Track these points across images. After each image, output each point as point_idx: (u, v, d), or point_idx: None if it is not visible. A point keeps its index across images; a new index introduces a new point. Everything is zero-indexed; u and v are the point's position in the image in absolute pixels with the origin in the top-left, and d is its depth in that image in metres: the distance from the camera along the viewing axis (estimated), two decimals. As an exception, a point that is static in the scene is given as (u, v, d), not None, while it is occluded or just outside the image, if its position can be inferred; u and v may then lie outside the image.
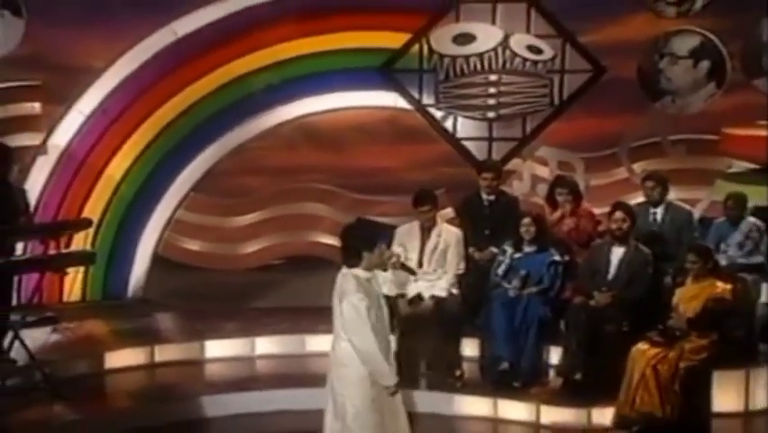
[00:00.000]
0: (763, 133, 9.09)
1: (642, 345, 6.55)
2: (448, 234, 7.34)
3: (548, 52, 9.21)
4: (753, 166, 9.18)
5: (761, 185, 8.79)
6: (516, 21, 9.22)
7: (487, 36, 9.22)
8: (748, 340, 7.26)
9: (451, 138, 9.53)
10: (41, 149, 9.10)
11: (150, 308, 9.07)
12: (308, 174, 9.90)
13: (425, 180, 8.79)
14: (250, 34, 9.12)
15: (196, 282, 9.64)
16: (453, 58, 9.24)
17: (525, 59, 9.17)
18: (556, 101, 9.31)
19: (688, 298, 6.72)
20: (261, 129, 9.43)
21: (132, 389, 7.32)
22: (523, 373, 7.06)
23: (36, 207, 8.46)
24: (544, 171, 9.45)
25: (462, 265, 7.40)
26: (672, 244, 7.52)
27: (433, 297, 7.17)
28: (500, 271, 7.34)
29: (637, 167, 9.32)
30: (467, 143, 9.50)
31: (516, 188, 9.35)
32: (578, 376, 6.91)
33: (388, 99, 9.49)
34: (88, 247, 8.68)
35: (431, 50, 9.31)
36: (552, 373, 7.22)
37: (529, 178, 9.50)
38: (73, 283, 9.07)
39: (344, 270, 5.08)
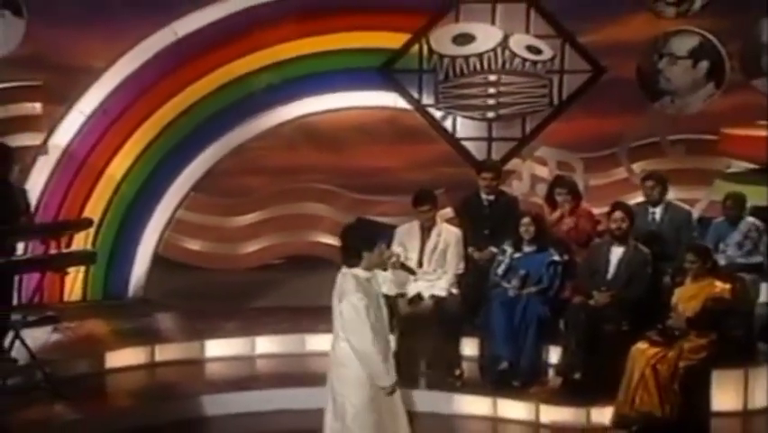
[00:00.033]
0: (761, 133, 9.11)
1: (641, 345, 6.56)
2: (448, 233, 7.35)
3: (547, 52, 9.23)
4: (752, 166, 9.20)
5: (760, 185, 8.81)
6: (515, 21, 9.23)
7: (486, 36, 9.24)
8: (747, 339, 7.28)
9: (450, 138, 9.54)
10: (42, 149, 9.09)
11: (151, 308, 9.07)
12: (308, 174, 9.92)
13: (424, 180, 8.81)
14: (250, 34, 9.12)
15: (196, 282, 9.66)
16: (453, 58, 9.26)
17: (524, 60, 9.18)
18: (556, 101, 9.32)
19: (687, 297, 6.72)
20: (262, 129, 9.43)
21: (133, 388, 7.34)
22: (522, 373, 7.07)
23: (37, 207, 8.46)
24: (543, 171, 9.47)
25: (462, 265, 7.41)
26: (672, 243, 7.52)
27: (432, 296, 7.18)
28: (500, 270, 7.35)
29: (636, 167, 9.34)
30: (466, 143, 9.52)
31: (516, 187, 9.37)
32: (577, 375, 6.92)
33: (388, 99, 9.49)
34: (89, 247, 8.69)
35: (431, 51, 9.33)
36: (551, 372, 7.23)
37: (528, 178, 9.52)
38: (74, 283, 9.07)
39: (344, 269, 5.09)
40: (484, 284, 7.45)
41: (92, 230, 8.62)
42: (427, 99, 9.46)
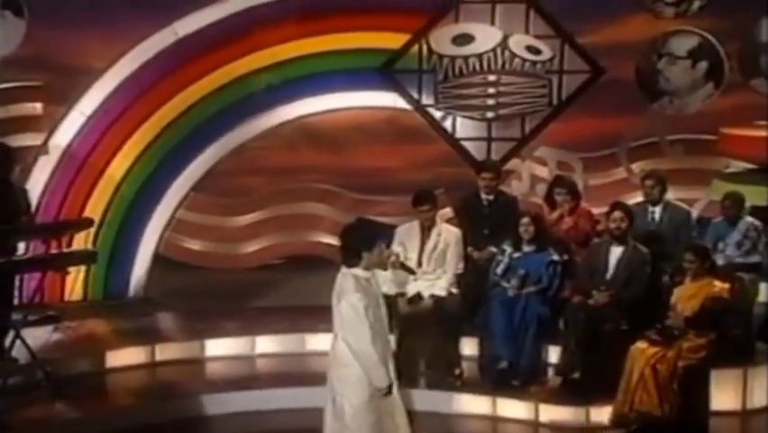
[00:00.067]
0: (760, 133, 9.13)
1: (640, 344, 6.57)
2: (447, 233, 7.37)
3: (547, 53, 9.25)
4: (750, 166, 9.23)
5: (758, 185, 8.82)
6: (514, 21, 9.25)
7: (486, 37, 9.25)
8: (746, 339, 7.28)
9: (450, 138, 9.56)
10: (43, 149, 9.10)
11: (151, 308, 9.08)
12: (308, 174, 9.94)
13: (424, 180, 8.83)
14: (250, 35, 9.12)
15: (196, 282, 9.68)
16: (453, 58, 9.28)
17: (523, 60, 9.20)
18: (555, 101, 9.34)
19: (686, 297, 6.74)
20: (262, 129, 9.43)
21: (134, 387, 7.35)
22: (522, 372, 7.09)
23: (37, 207, 8.46)
24: (542, 171, 9.49)
25: (462, 265, 7.42)
26: (671, 243, 7.54)
27: (432, 296, 7.20)
28: (499, 270, 7.36)
29: (636, 167, 9.36)
30: (466, 143, 9.53)
31: (515, 187, 9.39)
32: (576, 375, 6.93)
33: (388, 99, 9.51)
34: (90, 247, 8.68)
35: (430, 51, 9.34)
36: (550, 371, 7.24)
37: (528, 178, 9.54)
38: (74, 282, 9.08)
39: (344, 269, 5.09)
40: (484, 284, 7.46)
41: (92, 230, 8.62)
42: (427, 99, 9.47)
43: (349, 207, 9.77)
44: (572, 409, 6.78)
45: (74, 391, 6.89)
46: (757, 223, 7.81)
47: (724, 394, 6.87)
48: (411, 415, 5.42)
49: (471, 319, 7.43)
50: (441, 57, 9.32)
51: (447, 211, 8.42)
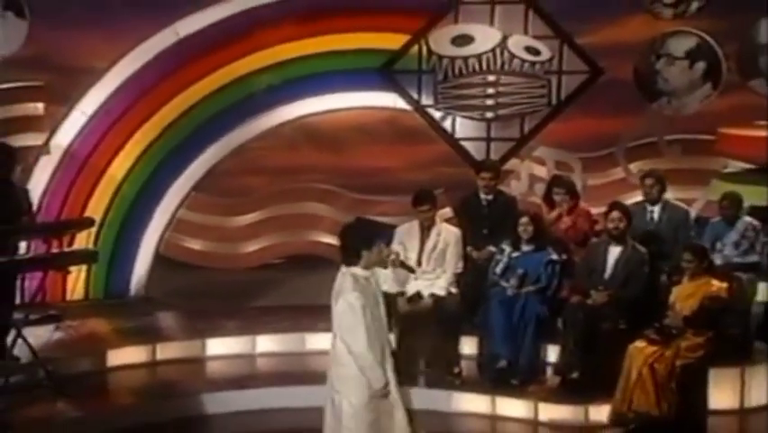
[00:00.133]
0: (758, 133, 9.14)
1: (639, 344, 6.58)
2: (447, 233, 7.39)
3: (546, 53, 9.27)
4: (748, 166, 9.24)
5: (756, 185, 8.83)
6: (513, 22, 9.27)
7: (485, 37, 9.27)
8: (744, 338, 7.31)
9: (449, 138, 9.58)
10: (44, 149, 9.12)
11: (152, 307, 9.10)
12: (309, 174, 9.97)
13: (424, 180, 8.86)
14: (251, 35, 9.14)
15: (197, 281, 9.70)
16: (452, 59, 9.30)
17: (522, 60, 9.22)
18: (554, 102, 9.36)
19: (684, 296, 6.75)
20: (262, 129, 9.45)
21: (135, 386, 7.37)
22: (521, 371, 7.11)
23: (39, 207, 8.46)
24: (541, 171, 9.51)
25: (461, 264, 7.44)
26: (669, 242, 7.55)
27: (432, 295, 7.22)
28: (498, 269, 7.37)
29: (634, 167, 9.38)
30: (465, 143, 9.55)
31: (514, 187, 9.41)
32: (575, 374, 6.95)
33: (388, 100, 9.52)
34: (91, 246, 8.73)
35: (430, 52, 9.36)
36: (549, 370, 7.26)
37: (527, 177, 9.56)
38: (76, 282, 9.10)
39: (343, 268, 5.10)
40: (483, 283, 7.47)
41: (94, 229, 8.65)
42: (427, 100, 9.49)
43: (349, 206, 9.80)
44: (571, 408, 6.80)
45: (75, 390, 6.91)
46: (755, 223, 7.82)
47: (722, 393, 6.89)
48: (410, 413, 5.39)
49: (471, 318, 7.45)
50: (440, 57, 9.34)
51: (447, 211, 8.44)
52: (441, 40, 9.35)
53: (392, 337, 6.23)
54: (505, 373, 7.10)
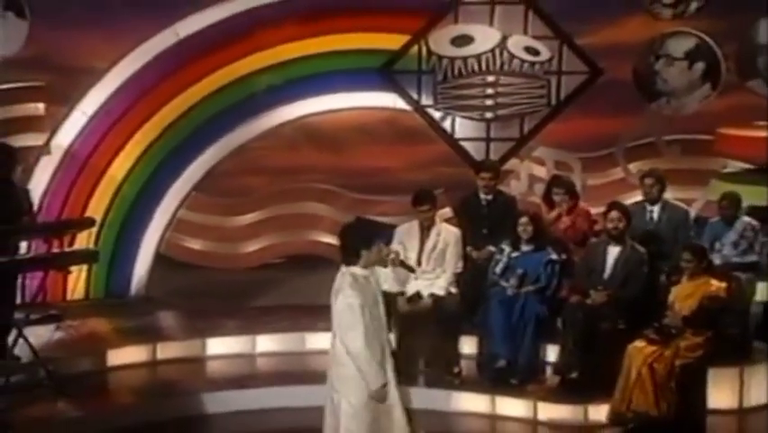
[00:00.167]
0: (757, 133, 9.16)
1: (638, 343, 6.59)
2: (447, 233, 7.40)
3: (545, 54, 9.28)
4: (747, 166, 9.26)
5: (756, 185, 8.84)
6: (513, 22, 9.27)
7: (485, 38, 9.28)
8: (743, 338, 7.34)
9: (449, 138, 9.58)
10: (45, 149, 9.11)
11: (153, 307, 9.10)
12: (309, 174, 9.97)
13: (423, 180, 8.86)
14: (251, 36, 9.13)
15: (197, 281, 9.71)
16: (452, 59, 9.30)
17: (522, 61, 9.23)
18: (553, 102, 9.37)
19: (683, 296, 6.76)
20: (263, 129, 9.45)
21: (135, 386, 7.38)
22: (520, 371, 7.12)
23: (39, 207, 8.45)
24: (541, 171, 9.53)
25: (461, 264, 7.45)
26: (669, 242, 7.56)
27: (431, 295, 7.23)
28: (498, 269, 7.38)
29: (633, 167, 9.40)
30: (465, 144, 9.56)
31: (514, 187, 9.42)
32: (574, 374, 6.96)
33: (388, 100, 9.53)
34: (91, 246, 8.72)
35: (429, 52, 9.36)
36: (549, 370, 7.27)
37: (526, 177, 9.58)
38: (76, 282, 9.08)
39: (343, 268, 5.12)
40: (482, 283, 7.48)
41: (94, 229, 8.65)
42: (426, 100, 9.50)
43: (349, 207, 9.80)
44: (570, 408, 6.81)
45: (76, 390, 6.92)
46: (754, 222, 7.84)
47: (721, 393, 6.91)
48: (410, 413, 5.40)
49: (470, 318, 7.46)
50: (440, 58, 9.35)
51: (446, 211, 8.45)
52: (441, 40, 9.35)
53: (392, 337, 6.25)
54: (504, 372, 7.11)
